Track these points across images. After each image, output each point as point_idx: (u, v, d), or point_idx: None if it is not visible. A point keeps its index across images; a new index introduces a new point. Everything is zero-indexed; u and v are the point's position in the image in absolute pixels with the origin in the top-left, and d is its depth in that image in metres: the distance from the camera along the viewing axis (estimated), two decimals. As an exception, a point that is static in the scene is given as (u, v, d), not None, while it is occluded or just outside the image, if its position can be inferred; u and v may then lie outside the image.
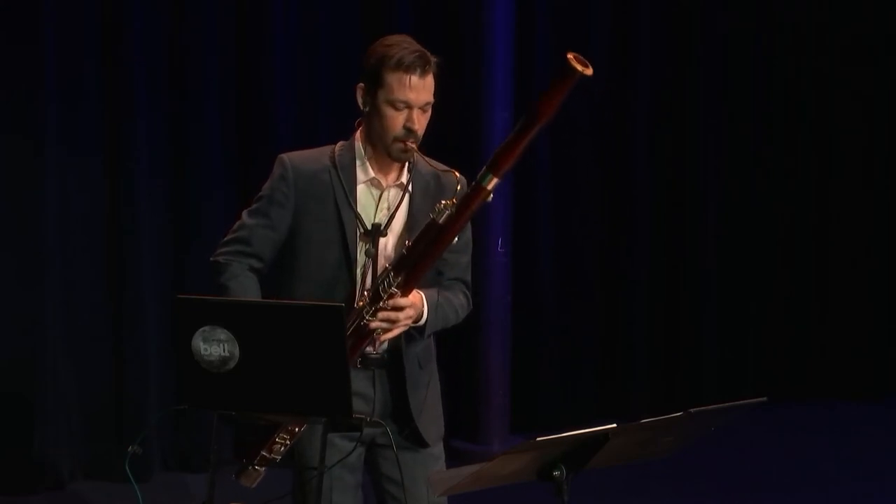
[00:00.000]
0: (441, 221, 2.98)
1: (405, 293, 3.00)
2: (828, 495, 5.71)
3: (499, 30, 6.01)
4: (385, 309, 2.98)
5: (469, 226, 3.19)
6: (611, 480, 4.61)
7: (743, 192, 7.31)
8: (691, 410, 2.66)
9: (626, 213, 6.99)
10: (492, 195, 3.01)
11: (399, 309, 3.00)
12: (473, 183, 3.01)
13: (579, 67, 2.91)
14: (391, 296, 2.98)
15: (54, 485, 5.48)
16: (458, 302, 3.21)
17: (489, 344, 6.14)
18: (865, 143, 7.53)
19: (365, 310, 2.99)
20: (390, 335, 3.04)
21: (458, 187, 3.03)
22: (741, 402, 2.82)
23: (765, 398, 2.91)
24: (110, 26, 5.57)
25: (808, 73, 7.39)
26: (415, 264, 3.00)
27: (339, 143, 3.17)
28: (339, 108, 5.72)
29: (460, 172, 3.14)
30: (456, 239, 3.08)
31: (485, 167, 3.00)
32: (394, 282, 2.98)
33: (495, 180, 2.98)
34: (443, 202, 2.99)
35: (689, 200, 7.18)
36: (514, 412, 6.28)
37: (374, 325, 2.99)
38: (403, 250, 3.02)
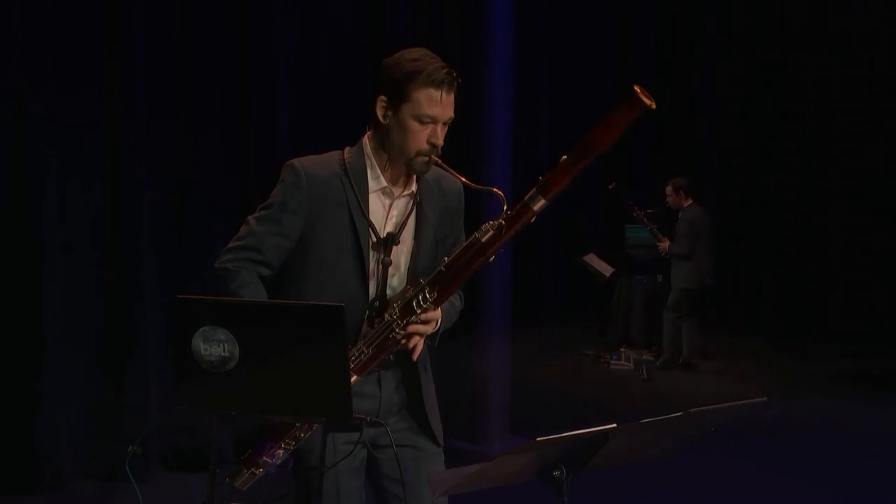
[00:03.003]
0: (484, 240, 2.97)
1: (436, 306, 3.01)
2: (828, 495, 5.71)
3: (499, 29, 6.02)
4: (416, 322, 2.98)
5: (462, 227, 3.20)
6: (611, 480, 4.61)
7: (743, 192, 7.32)
8: (691, 410, 2.65)
9: (626, 213, 6.99)
10: (535, 216, 3.01)
11: (427, 322, 3.00)
12: (519, 205, 2.99)
13: (646, 100, 2.90)
14: (425, 310, 2.99)
15: (54, 485, 5.48)
16: (457, 303, 3.23)
17: (489, 344, 6.14)
18: (865, 144, 7.54)
19: (395, 323, 2.98)
20: (412, 345, 3.05)
21: (504, 207, 3.00)
22: (741, 402, 2.81)
23: (765, 398, 2.90)
24: (110, 26, 5.57)
25: (807, 73, 7.40)
26: (451, 280, 3.00)
27: (347, 150, 3.13)
28: (340, 108, 5.73)
29: (461, 173, 3.13)
30: (492, 258, 3.08)
31: (534, 189, 2.97)
32: (430, 297, 2.98)
33: (542, 202, 2.97)
34: (489, 222, 2.98)
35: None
36: (514, 412, 6.29)
37: (401, 336, 2.99)
38: (442, 267, 3.01)
